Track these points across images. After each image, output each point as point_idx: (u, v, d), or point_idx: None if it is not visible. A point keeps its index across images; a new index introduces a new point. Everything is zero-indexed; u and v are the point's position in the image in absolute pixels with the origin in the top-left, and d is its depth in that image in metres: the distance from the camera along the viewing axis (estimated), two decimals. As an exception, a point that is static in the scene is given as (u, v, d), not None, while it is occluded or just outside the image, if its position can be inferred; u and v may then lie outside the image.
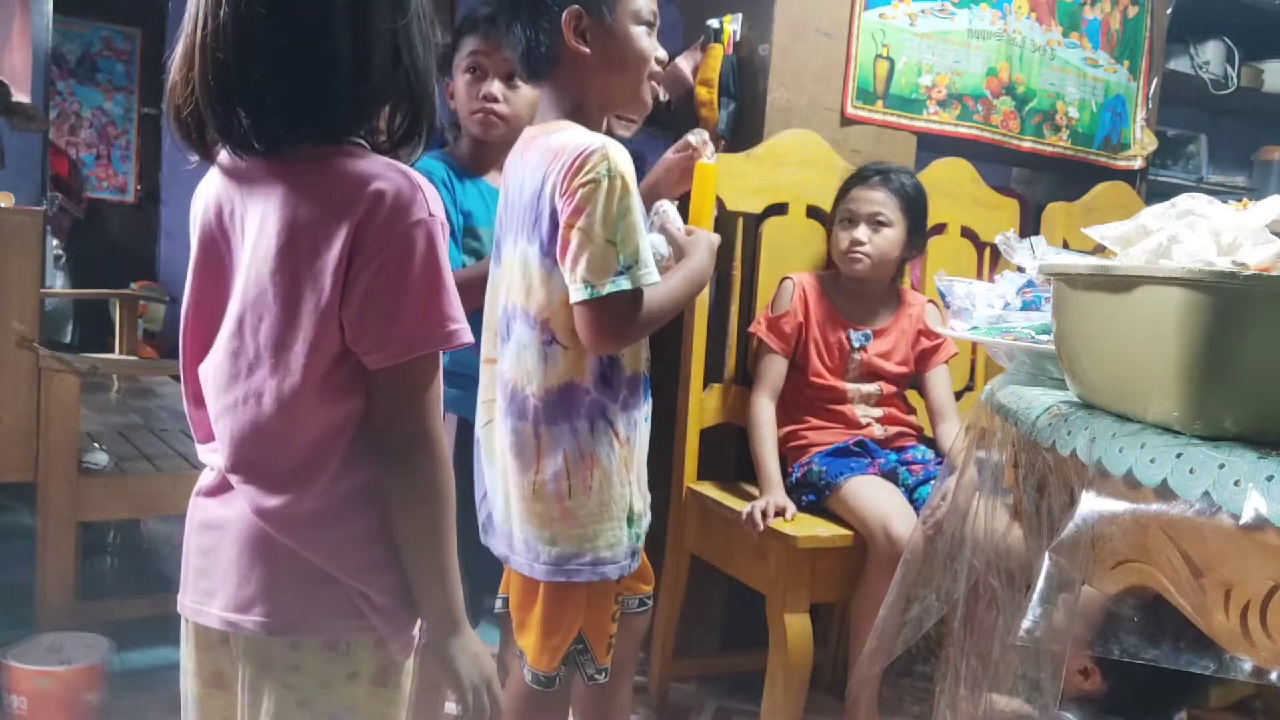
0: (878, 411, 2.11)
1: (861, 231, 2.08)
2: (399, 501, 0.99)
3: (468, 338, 0.98)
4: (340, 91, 0.94)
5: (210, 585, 1.01)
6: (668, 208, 1.55)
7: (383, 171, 0.94)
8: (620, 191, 1.31)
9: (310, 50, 0.92)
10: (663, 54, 1.46)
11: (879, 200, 2.09)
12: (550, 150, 1.36)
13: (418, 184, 0.95)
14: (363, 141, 0.98)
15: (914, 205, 2.12)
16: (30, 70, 3.09)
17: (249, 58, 0.91)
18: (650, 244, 1.42)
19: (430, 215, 0.95)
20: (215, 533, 1.01)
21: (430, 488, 0.99)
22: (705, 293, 2.17)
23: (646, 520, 1.51)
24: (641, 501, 1.48)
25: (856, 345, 2.12)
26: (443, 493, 1.00)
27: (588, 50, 1.40)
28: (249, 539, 0.99)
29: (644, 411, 1.49)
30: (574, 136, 1.36)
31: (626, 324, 1.35)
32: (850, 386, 2.11)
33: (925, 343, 2.15)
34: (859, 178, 2.14)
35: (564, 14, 1.38)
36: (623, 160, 1.33)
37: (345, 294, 0.94)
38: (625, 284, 1.31)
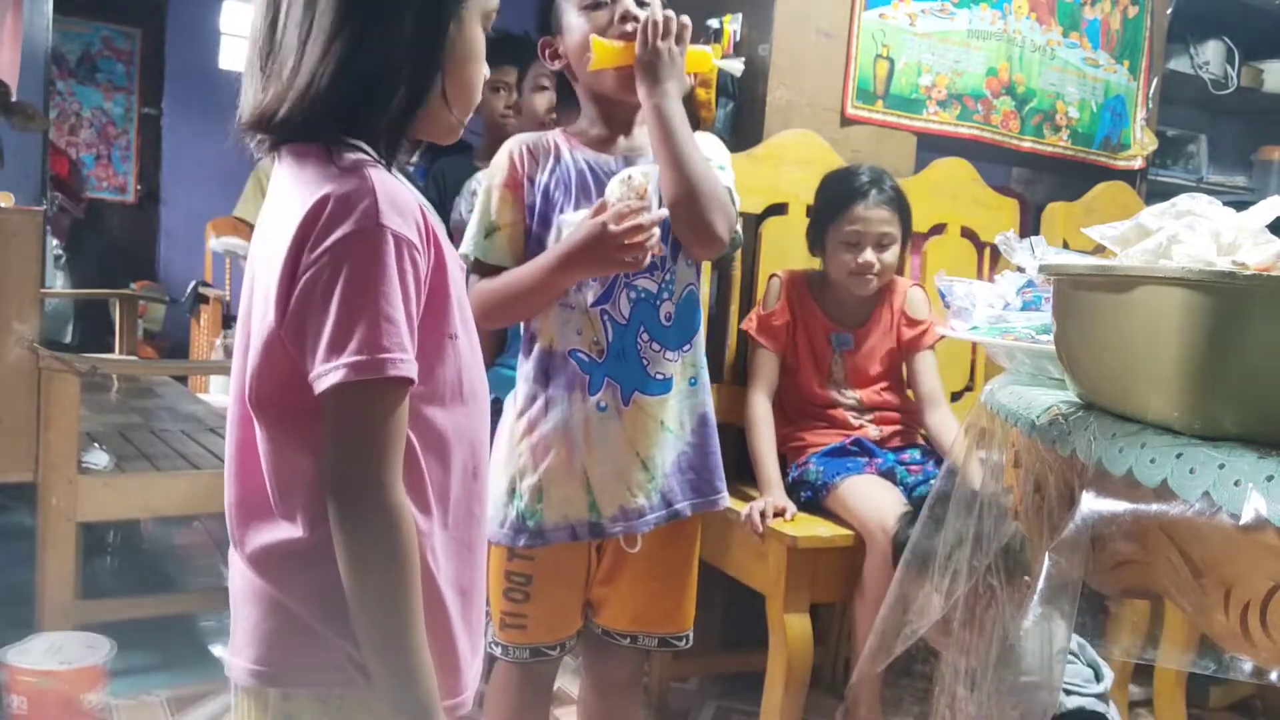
0: (869, 414, 2.10)
1: (870, 255, 2.02)
2: (339, 561, 0.84)
3: (396, 371, 0.83)
4: (315, 91, 0.87)
5: (232, 624, 0.96)
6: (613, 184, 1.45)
7: (339, 175, 0.85)
8: None
9: (282, 45, 0.88)
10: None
11: (885, 219, 2.03)
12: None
13: (372, 189, 0.84)
14: (359, 144, 0.90)
15: (906, 213, 2.08)
16: (18, 69, 3.09)
17: (252, 54, 0.91)
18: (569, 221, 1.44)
19: (377, 225, 0.83)
20: (231, 569, 0.97)
21: (353, 549, 0.84)
22: (705, 293, 2.17)
23: (559, 507, 1.47)
24: (532, 479, 1.46)
25: (836, 349, 2.10)
26: (375, 559, 0.83)
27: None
28: (243, 578, 0.94)
29: (576, 397, 1.46)
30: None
31: None
32: (835, 394, 2.10)
33: (907, 331, 2.10)
34: (855, 192, 2.04)
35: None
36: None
37: (284, 311, 0.85)
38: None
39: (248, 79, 0.92)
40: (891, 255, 2.05)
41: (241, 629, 0.93)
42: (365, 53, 0.87)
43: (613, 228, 1.37)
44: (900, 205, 2.06)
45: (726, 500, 1.60)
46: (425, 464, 0.92)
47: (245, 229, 5.69)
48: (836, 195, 2.08)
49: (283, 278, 0.85)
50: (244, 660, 0.92)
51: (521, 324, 1.52)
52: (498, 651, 1.53)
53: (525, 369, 1.50)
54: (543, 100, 2.18)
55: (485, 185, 1.49)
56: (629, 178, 1.41)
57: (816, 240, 2.12)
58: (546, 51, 1.51)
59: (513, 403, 1.51)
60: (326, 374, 0.83)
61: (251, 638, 0.92)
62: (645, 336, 1.48)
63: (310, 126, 0.88)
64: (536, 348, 1.49)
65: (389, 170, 0.91)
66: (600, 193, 1.46)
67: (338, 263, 0.83)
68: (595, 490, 1.47)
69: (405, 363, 0.84)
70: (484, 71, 0.98)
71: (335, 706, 0.91)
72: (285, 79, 0.88)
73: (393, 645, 0.85)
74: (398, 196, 0.87)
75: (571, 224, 1.44)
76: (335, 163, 0.87)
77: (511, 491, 1.48)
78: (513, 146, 1.50)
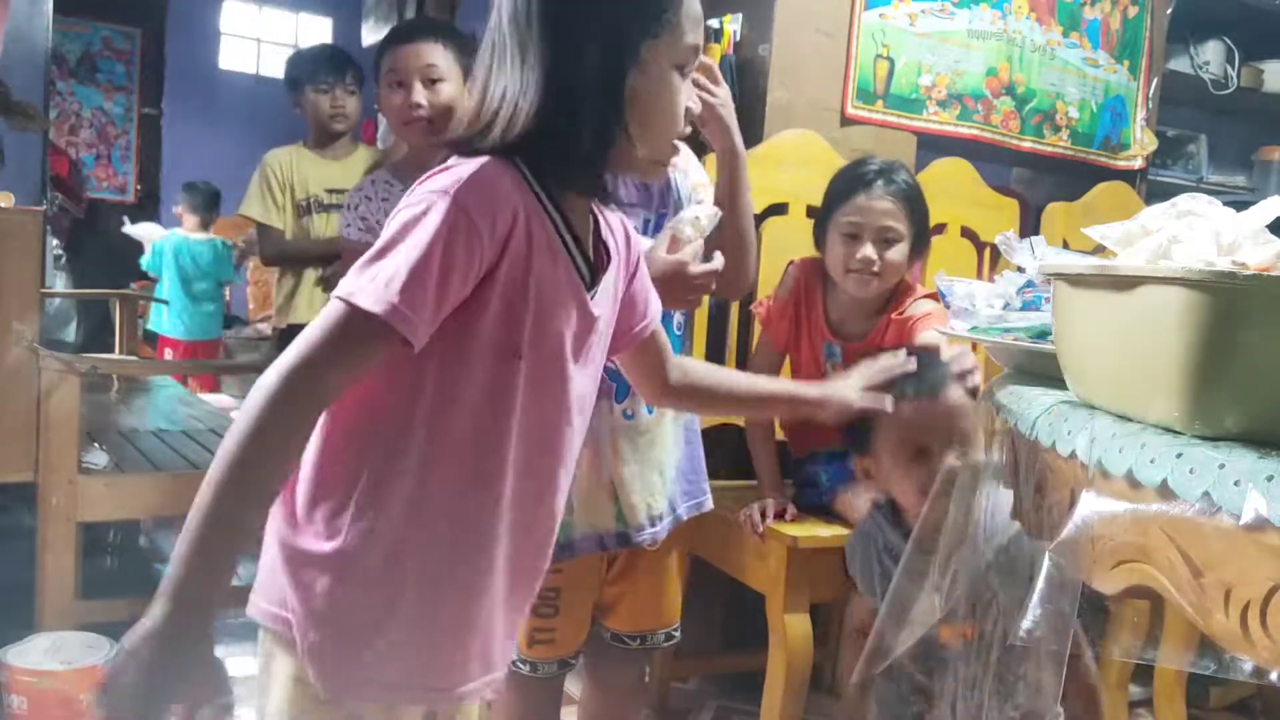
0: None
1: (870, 250, 1.84)
2: None
3: (395, 322, 0.87)
4: (511, 130, 0.96)
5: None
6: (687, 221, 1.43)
7: (470, 161, 0.94)
8: None
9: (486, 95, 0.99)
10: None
11: (888, 212, 1.85)
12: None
13: (469, 171, 0.92)
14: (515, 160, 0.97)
15: (918, 209, 1.90)
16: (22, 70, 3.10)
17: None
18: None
19: (445, 193, 0.90)
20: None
21: (241, 415, 0.87)
22: (705, 293, 2.16)
23: (588, 519, 1.47)
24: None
25: (827, 359, 1.99)
26: (240, 423, 0.85)
27: None
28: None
29: (605, 405, 1.45)
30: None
31: None
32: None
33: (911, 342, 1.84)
34: (859, 180, 1.89)
35: None
36: None
37: None
38: None
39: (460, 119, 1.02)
40: (897, 254, 1.87)
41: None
42: (551, 110, 0.96)
43: (693, 269, 1.37)
44: (910, 200, 1.88)
45: (710, 502, 1.64)
46: (430, 461, 0.95)
47: (249, 228, 5.68)
48: (840, 185, 1.94)
49: None
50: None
51: None
52: (525, 670, 1.51)
53: None
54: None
55: None
56: (697, 219, 1.41)
57: (820, 236, 1.97)
58: None
59: None
60: (344, 284, 0.90)
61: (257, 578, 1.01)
62: None
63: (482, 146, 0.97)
64: None
65: (545, 196, 0.97)
66: (628, 203, 1.48)
67: (403, 211, 0.92)
68: (621, 499, 1.48)
69: (399, 313, 0.87)
70: (678, 111, 1.03)
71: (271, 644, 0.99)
72: (485, 120, 0.98)
73: (198, 514, 0.84)
74: (492, 185, 0.93)
75: (684, 231, 1.43)
76: (465, 156, 0.95)
77: None
78: None
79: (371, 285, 0.87)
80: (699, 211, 1.42)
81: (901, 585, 1.37)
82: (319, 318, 0.89)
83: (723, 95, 1.51)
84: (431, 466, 0.95)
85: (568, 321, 1.00)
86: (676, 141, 1.23)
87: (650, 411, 1.49)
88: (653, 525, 1.51)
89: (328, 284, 2.70)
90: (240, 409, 0.88)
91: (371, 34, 4.54)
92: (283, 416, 0.86)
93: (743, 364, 2.23)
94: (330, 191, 2.73)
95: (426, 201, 0.90)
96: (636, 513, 1.49)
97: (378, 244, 0.91)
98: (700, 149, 1.72)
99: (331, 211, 2.72)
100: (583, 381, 1.05)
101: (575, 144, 0.97)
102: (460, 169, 0.93)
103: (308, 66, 2.79)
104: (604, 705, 1.66)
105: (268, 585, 0.98)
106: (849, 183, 1.92)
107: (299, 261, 2.76)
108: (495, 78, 0.98)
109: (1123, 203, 2.61)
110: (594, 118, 0.96)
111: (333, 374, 0.88)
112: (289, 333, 2.90)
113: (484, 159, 0.94)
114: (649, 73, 0.99)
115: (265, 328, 5.70)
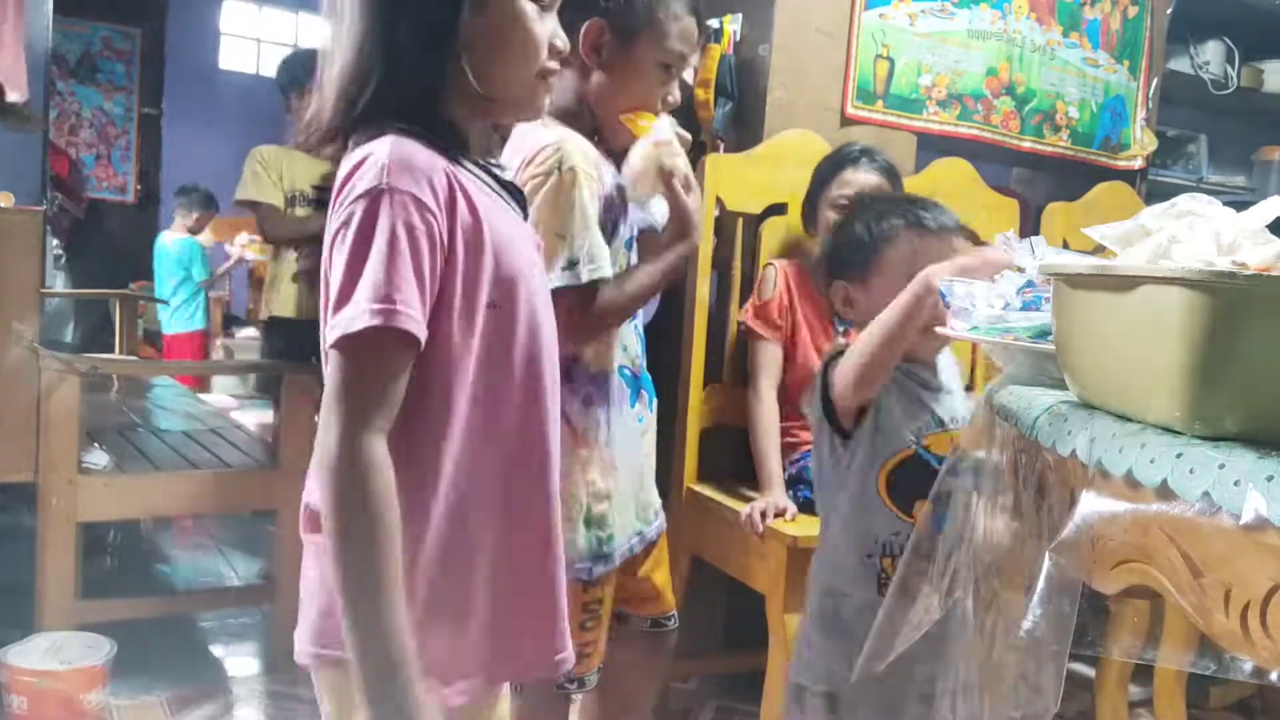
0: None
1: None
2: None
3: (397, 323, 0.84)
4: (344, 93, 0.94)
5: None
6: (676, 149, 1.44)
7: (374, 146, 0.90)
8: (569, 185, 1.31)
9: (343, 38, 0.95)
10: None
11: (876, 184, 2.02)
12: (512, 149, 1.35)
13: (386, 155, 0.88)
14: (406, 126, 0.92)
15: (898, 184, 2.08)
16: (23, 70, 3.10)
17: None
18: (651, 212, 1.43)
19: (383, 186, 0.86)
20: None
21: (325, 511, 0.85)
22: (705, 293, 2.17)
23: (623, 525, 1.49)
24: (608, 504, 1.46)
25: (840, 330, 2.05)
26: (334, 522, 0.84)
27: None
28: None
29: (624, 412, 1.48)
30: (535, 134, 1.35)
31: (574, 320, 1.31)
32: None
33: None
34: (845, 159, 2.07)
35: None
36: (577, 155, 1.33)
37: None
38: (568, 280, 1.31)
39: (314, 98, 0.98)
40: None
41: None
42: (378, 49, 0.92)
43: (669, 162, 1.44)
44: (891, 175, 2.06)
45: None
46: (450, 426, 0.93)
47: (240, 229, 5.68)
48: (827, 166, 2.10)
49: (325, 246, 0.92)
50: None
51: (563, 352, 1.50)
52: (574, 687, 1.50)
53: (564, 389, 1.46)
54: None
55: (586, 194, 1.37)
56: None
57: (810, 215, 2.11)
58: (588, 41, 1.43)
59: None
60: (329, 331, 0.87)
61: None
62: (644, 346, 1.55)
63: (343, 124, 0.95)
64: (579, 371, 1.44)
65: (450, 151, 0.94)
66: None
67: (346, 224, 0.88)
68: (640, 501, 1.53)
69: (400, 315, 0.85)
70: (531, 47, 0.97)
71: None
72: (327, 90, 0.95)
73: (354, 616, 0.84)
74: (413, 159, 0.89)
75: (680, 165, 1.44)
76: (363, 139, 0.92)
77: (587, 521, 1.45)
78: (593, 154, 1.42)
79: (353, 310, 0.85)
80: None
81: (902, 585, 1.37)
82: (329, 375, 0.86)
83: (694, 201, 1.48)
84: (465, 462, 0.94)
85: (525, 253, 0.99)
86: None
87: (651, 410, 1.54)
88: (657, 517, 1.60)
89: (307, 276, 2.74)
90: (323, 499, 0.86)
91: (371, 34, 4.54)
92: (360, 477, 0.84)
93: (742, 366, 2.23)
94: (317, 188, 2.79)
95: (360, 207, 0.87)
96: (648, 509, 1.57)
97: (337, 276, 0.87)
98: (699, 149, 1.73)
99: (315, 208, 2.77)
100: (548, 311, 1.04)
101: (409, 92, 0.92)
102: (375, 156, 0.89)
103: (288, 74, 2.87)
104: (618, 695, 1.66)
105: (332, 629, 0.92)
106: (835, 163, 2.09)
107: (301, 238, 2.82)
108: (332, 57, 0.94)
109: (1123, 203, 2.61)
110: (416, 61, 0.92)
111: (372, 414, 0.86)
112: (271, 324, 2.96)
113: (386, 138, 0.90)
114: (489, 8, 0.93)
115: (265, 328, 5.71)
